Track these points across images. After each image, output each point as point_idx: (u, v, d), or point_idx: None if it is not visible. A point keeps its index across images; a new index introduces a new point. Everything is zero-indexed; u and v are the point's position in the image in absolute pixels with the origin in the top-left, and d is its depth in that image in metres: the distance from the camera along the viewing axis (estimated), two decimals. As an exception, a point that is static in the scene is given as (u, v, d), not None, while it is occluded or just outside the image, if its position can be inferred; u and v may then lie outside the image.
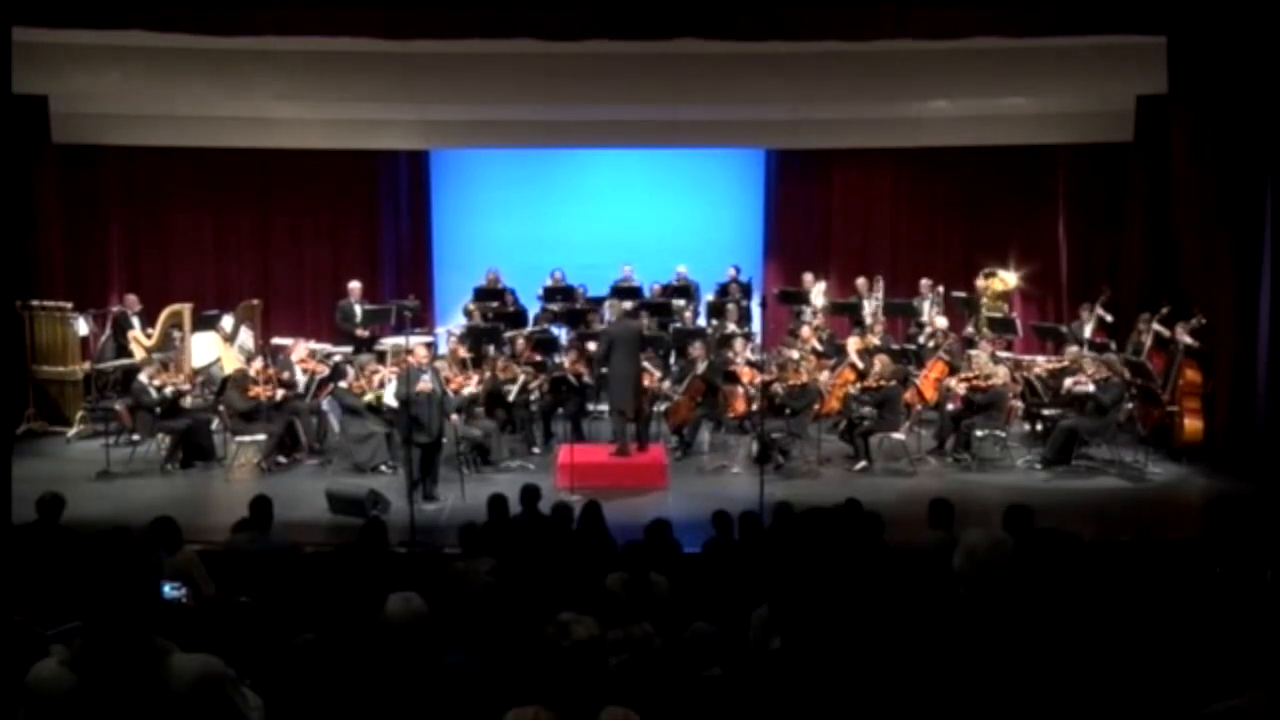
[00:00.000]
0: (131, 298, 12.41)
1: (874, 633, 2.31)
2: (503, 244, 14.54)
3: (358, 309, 12.67)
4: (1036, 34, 9.95)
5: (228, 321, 12.37)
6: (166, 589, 5.54)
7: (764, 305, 12.14)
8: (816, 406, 10.65)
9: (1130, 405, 10.71)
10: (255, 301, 12.95)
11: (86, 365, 11.85)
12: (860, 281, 13.49)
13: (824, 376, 11.10)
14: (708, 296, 13.92)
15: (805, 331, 12.33)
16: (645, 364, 10.84)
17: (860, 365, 11.24)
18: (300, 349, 11.17)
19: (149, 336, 11.89)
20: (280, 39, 10.07)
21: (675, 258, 14.25)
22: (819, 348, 12.08)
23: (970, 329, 12.80)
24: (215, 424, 10.73)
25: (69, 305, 11.86)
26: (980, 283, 13.25)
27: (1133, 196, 12.24)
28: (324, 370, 11.01)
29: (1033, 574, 2.82)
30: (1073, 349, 11.27)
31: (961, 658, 2.69)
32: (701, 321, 13.41)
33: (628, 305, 11.77)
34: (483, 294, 13.33)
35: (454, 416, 9.82)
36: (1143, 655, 3.08)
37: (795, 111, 13.05)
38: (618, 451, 10.17)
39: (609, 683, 3.25)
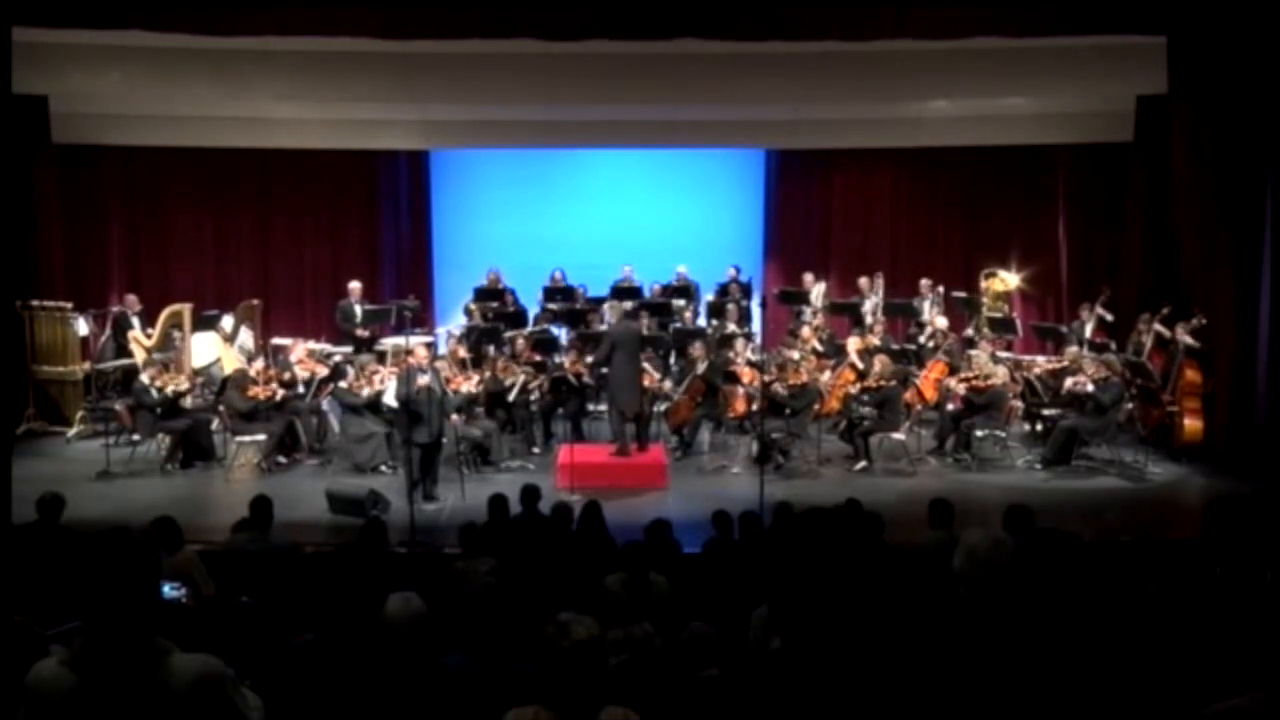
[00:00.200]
0: (131, 298, 12.42)
1: (874, 633, 2.31)
2: (503, 244, 14.54)
3: (358, 309, 12.67)
4: (1036, 34, 9.94)
5: (228, 321, 12.37)
6: (166, 589, 5.54)
7: (764, 305, 12.15)
8: (816, 406, 10.65)
9: (1130, 405, 10.71)
10: (255, 301, 12.95)
11: (86, 365, 11.85)
12: (863, 281, 13.49)
13: (824, 376, 11.10)
14: (708, 296, 13.92)
15: (805, 331, 12.33)
16: (645, 365, 10.84)
17: (860, 365, 11.24)
18: (299, 349, 11.18)
19: (149, 336, 11.89)
20: (280, 39, 10.07)
21: (675, 258, 14.26)
22: (819, 348, 12.08)
23: (971, 330, 12.81)
24: (215, 424, 10.73)
25: (69, 305, 11.86)
26: (983, 283, 13.26)
27: (1133, 196, 12.25)
28: (323, 370, 11.00)
29: (1033, 574, 2.82)
30: (1073, 349, 11.28)
31: (961, 658, 2.69)
32: (701, 321, 13.41)
33: (628, 306, 11.78)
34: (483, 294, 13.33)
35: (454, 416, 9.82)
36: (1143, 655, 3.08)
37: (795, 111, 13.06)
38: (618, 451, 10.17)
39: (609, 683, 3.25)
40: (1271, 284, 9.92)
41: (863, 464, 10.43)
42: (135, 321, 12.15)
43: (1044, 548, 2.86)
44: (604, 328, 11.34)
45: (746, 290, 13.95)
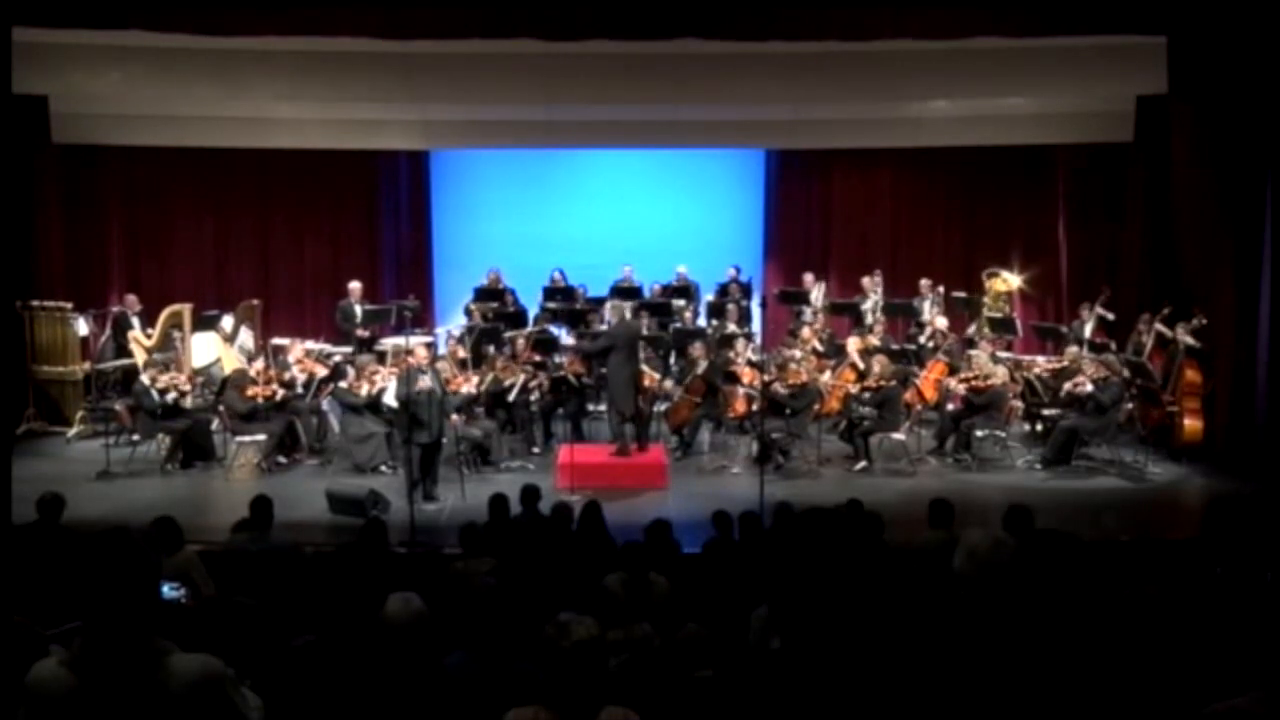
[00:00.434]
0: (131, 298, 12.42)
1: (874, 633, 2.32)
2: (503, 244, 14.54)
3: (358, 309, 12.67)
4: (1036, 34, 9.95)
5: (228, 322, 12.37)
6: (166, 589, 5.53)
7: (764, 305, 12.15)
8: (816, 406, 10.66)
9: (1130, 405, 10.72)
10: (255, 302, 12.95)
11: (86, 365, 11.85)
12: (866, 281, 13.49)
13: (824, 376, 11.10)
14: (708, 296, 13.93)
15: (805, 332, 12.34)
16: (644, 365, 10.84)
17: (860, 365, 11.24)
18: (297, 349, 11.17)
19: (149, 337, 11.88)
20: (280, 39, 10.07)
21: (675, 258, 14.26)
22: (819, 348, 12.08)
23: (972, 330, 12.81)
24: (215, 424, 10.73)
25: (69, 305, 11.86)
26: (985, 282, 13.27)
27: (1133, 196, 12.25)
28: (321, 370, 11.00)
29: (1033, 574, 2.82)
30: (1073, 349, 11.28)
31: (962, 658, 2.69)
32: (701, 322, 13.41)
33: (629, 306, 11.78)
34: (483, 294, 13.33)
35: (454, 416, 9.82)
36: (1143, 655, 3.08)
37: (795, 111, 13.06)
38: (618, 451, 10.17)
39: (609, 683, 3.25)
40: (1271, 284, 9.92)
41: (863, 464, 10.43)
42: (135, 321, 12.15)
43: (1044, 548, 2.86)
44: (603, 327, 11.34)
45: (746, 290, 13.95)
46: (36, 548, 6.61)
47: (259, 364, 10.99)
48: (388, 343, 12.29)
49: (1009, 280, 13.38)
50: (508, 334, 12.28)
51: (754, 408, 10.53)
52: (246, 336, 12.54)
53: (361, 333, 12.57)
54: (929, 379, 11.38)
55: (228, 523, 7.48)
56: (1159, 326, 11.21)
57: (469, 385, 10.57)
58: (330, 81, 11.43)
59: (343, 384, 10.69)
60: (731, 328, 12.58)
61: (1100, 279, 12.93)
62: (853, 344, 11.76)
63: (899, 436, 10.60)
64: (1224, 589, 5.32)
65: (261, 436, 10.27)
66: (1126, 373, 10.71)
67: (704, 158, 15.02)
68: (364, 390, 10.34)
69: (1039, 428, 11.21)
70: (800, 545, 2.33)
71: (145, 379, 10.35)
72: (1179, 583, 5.12)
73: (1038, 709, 2.61)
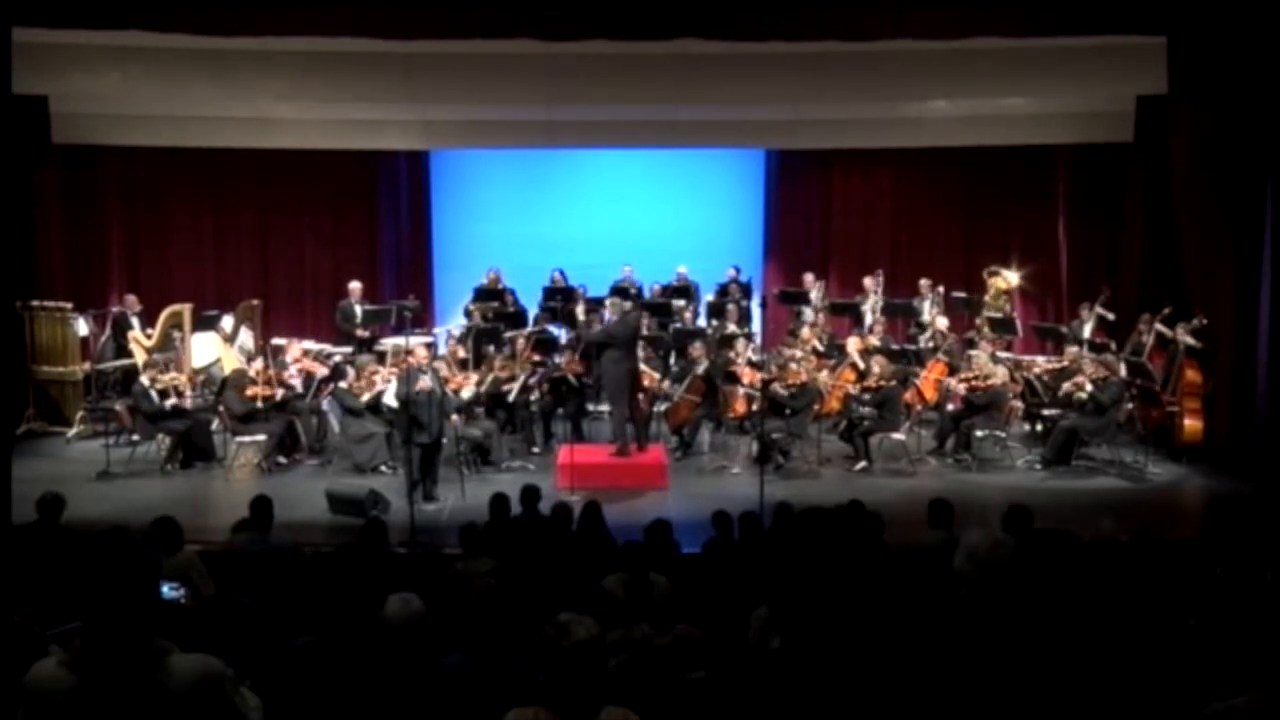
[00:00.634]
0: (131, 298, 12.41)
1: (874, 633, 2.32)
2: (503, 244, 14.54)
3: (358, 309, 12.67)
4: (1036, 34, 9.94)
5: (228, 322, 12.37)
6: (166, 589, 5.53)
7: (764, 305, 12.14)
8: (816, 406, 10.66)
9: (1130, 405, 10.72)
10: (255, 302, 12.95)
11: (86, 365, 11.85)
12: (868, 281, 13.49)
13: (824, 376, 11.10)
14: (708, 297, 13.92)
15: (805, 332, 12.33)
16: (643, 365, 10.84)
17: (860, 365, 11.24)
18: (294, 348, 11.17)
19: (149, 337, 11.88)
20: (280, 39, 10.06)
21: (675, 258, 14.26)
22: (819, 348, 12.08)
23: (973, 331, 12.80)
24: (215, 424, 10.73)
25: (69, 305, 11.86)
26: (986, 280, 13.27)
27: (1133, 196, 12.24)
28: (320, 369, 11.00)
29: (1033, 575, 2.82)
30: (1073, 349, 11.28)
31: (962, 658, 2.69)
32: (701, 322, 13.41)
33: (629, 305, 11.78)
34: (483, 294, 13.32)
35: (454, 417, 9.82)
36: (1143, 655, 3.08)
37: (795, 111, 13.04)
38: (618, 451, 10.17)
39: (609, 683, 3.25)
40: (1271, 284, 9.92)
41: (863, 464, 10.43)
42: (135, 321, 12.14)
43: (1044, 548, 2.86)
44: (602, 326, 11.34)
45: (746, 290, 13.94)
46: (36, 548, 6.61)
47: (258, 364, 10.99)
48: (388, 343, 12.28)
49: (1009, 278, 13.38)
50: (507, 334, 12.28)
51: (754, 408, 10.53)
52: (246, 336, 12.54)
53: (361, 333, 12.57)
54: (929, 379, 11.39)
55: (228, 523, 7.48)
56: (1159, 326, 11.20)
57: (469, 386, 10.58)
58: (330, 81, 11.41)
59: (343, 384, 10.69)
60: (731, 328, 12.58)
61: (1100, 279, 12.92)
62: (853, 344, 11.76)
63: (899, 436, 10.60)
64: (1224, 589, 5.32)
65: (261, 437, 10.28)
66: (1123, 371, 10.72)
67: (704, 158, 15.02)
68: (364, 397, 10.34)
69: (1039, 428, 11.21)
70: (800, 545, 2.33)
71: (145, 379, 10.35)
72: (1179, 583, 5.13)
73: (1038, 709, 2.61)
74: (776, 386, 10.39)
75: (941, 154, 13.75)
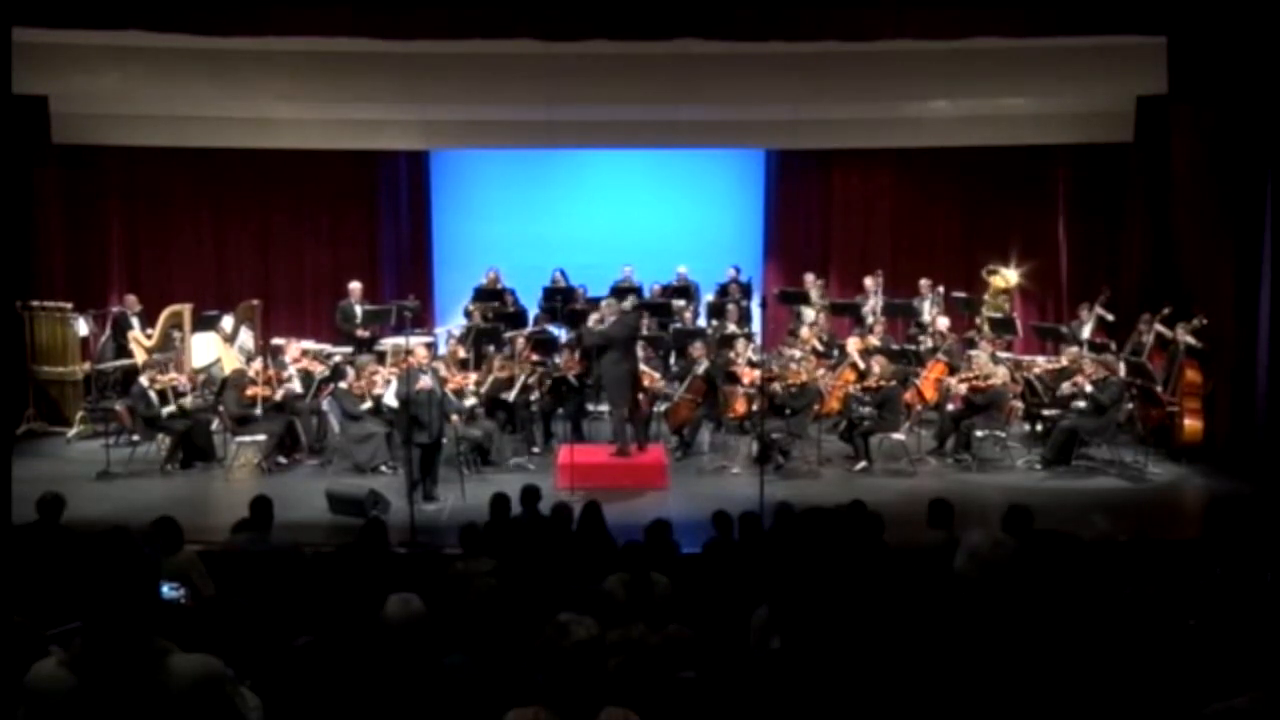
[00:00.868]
0: (131, 298, 12.42)
1: (874, 633, 2.31)
2: (503, 244, 14.54)
3: (358, 309, 12.67)
4: (1036, 34, 9.94)
5: (228, 322, 12.37)
6: (166, 589, 5.53)
7: (764, 305, 12.15)
8: (816, 406, 10.66)
9: (1130, 405, 10.72)
10: (255, 302, 12.95)
11: (86, 365, 11.85)
12: (869, 281, 13.48)
13: (824, 376, 11.10)
14: (708, 297, 13.92)
15: (805, 332, 12.32)
16: (643, 365, 10.84)
17: (860, 365, 11.24)
18: (293, 348, 11.16)
19: (149, 337, 11.89)
20: (280, 39, 10.07)
21: (675, 258, 14.26)
22: (819, 348, 12.08)
23: (973, 331, 12.80)
24: (215, 424, 10.73)
25: (69, 305, 11.86)
26: (986, 279, 13.28)
27: (1133, 196, 12.25)
28: (319, 369, 11.00)
29: (1033, 575, 2.82)
30: (1073, 349, 11.27)
31: (962, 658, 2.69)
32: (701, 322, 13.41)
33: (627, 305, 11.78)
34: (483, 294, 13.33)
35: (454, 417, 9.82)
36: (1143, 655, 3.08)
37: (795, 111, 13.05)
38: (618, 451, 10.17)
39: (608, 683, 3.25)
40: (1271, 284, 9.92)
41: (863, 464, 10.43)
42: (135, 322, 12.15)
43: (1044, 548, 2.86)
44: (602, 327, 11.33)
45: (746, 290, 13.94)
46: (36, 548, 6.61)
47: (258, 364, 10.99)
48: (388, 343, 12.28)
49: (1008, 276, 13.38)
50: (507, 334, 12.28)
51: (754, 408, 10.52)
52: (246, 337, 12.54)
53: (361, 333, 12.56)
54: (929, 379, 11.38)
55: (228, 523, 7.48)
56: (1159, 326, 11.20)
57: (468, 386, 10.57)
58: (330, 81, 11.42)
59: (343, 384, 10.69)
60: (731, 328, 12.58)
61: (1100, 279, 12.93)
62: (853, 344, 11.75)
63: (899, 436, 10.60)
64: (1224, 589, 5.32)
65: (261, 437, 10.28)
66: (1122, 370, 10.72)
67: (704, 158, 15.02)
68: (365, 405, 10.34)
69: (1039, 428, 11.20)
70: (800, 546, 2.33)
71: (144, 380, 10.35)
72: (1179, 583, 5.13)
73: (1038, 709, 2.61)
74: (776, 386, 10.39)
75: (941, 154, 13.76)
